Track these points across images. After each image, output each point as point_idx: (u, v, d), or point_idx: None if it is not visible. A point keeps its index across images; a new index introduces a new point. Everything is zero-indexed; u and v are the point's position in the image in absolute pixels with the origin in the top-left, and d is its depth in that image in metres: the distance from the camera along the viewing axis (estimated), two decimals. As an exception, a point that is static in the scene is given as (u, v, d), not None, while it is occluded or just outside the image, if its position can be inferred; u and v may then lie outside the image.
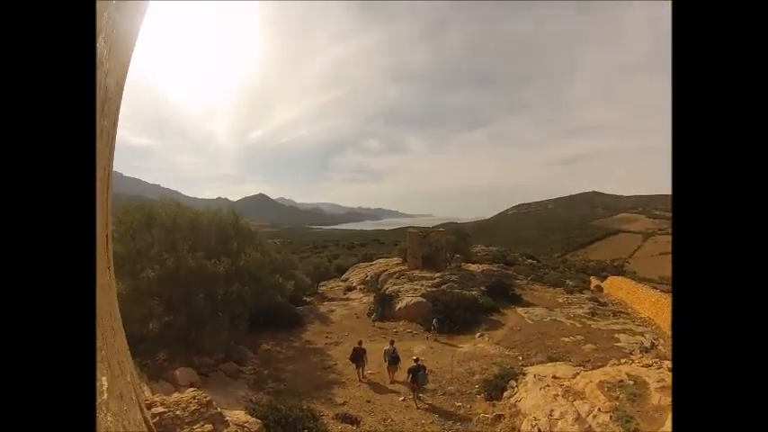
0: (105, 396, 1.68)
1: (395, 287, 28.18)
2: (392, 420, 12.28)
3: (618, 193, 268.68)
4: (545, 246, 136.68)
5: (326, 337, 21.53)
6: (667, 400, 11.42)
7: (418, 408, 13.45)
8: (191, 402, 7.38)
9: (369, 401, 13.64)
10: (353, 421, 11.94)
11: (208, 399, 7.71)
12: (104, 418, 1.67)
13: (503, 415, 12.20)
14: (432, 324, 21.78)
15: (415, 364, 13.83)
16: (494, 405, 13.10)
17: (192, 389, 8.38)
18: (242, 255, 17.45)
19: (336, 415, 12.16)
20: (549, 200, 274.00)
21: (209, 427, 7.03)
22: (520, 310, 26.30)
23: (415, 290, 27.15)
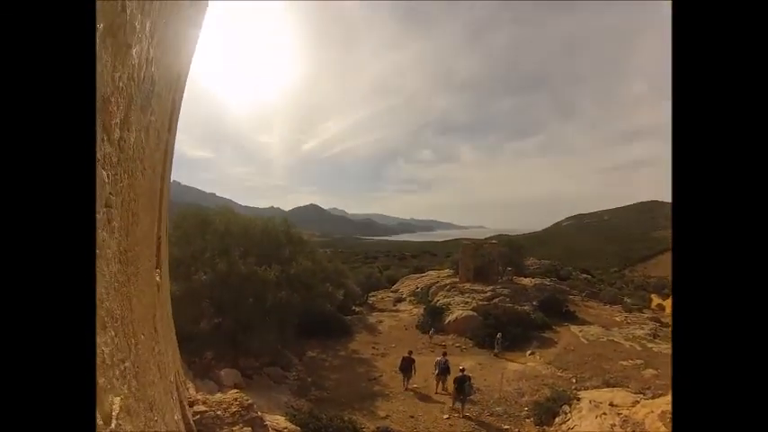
0: (115, 418, 1.67)
1: (445, 299, 27.90)
2: None
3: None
4: (601, 259, 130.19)
5: (373, 347, 21.58)
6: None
7: (462, 416, 13.54)
8: (232, 404, 7.62)
9: (412, 417, 13.51)
10: None
11: (249, 402, 7.94)
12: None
13: None
14: (496, 340, 21.43)
15: (461, 374, 13.94)
16: (544, 430, 12.62)
17: (236, 390, 8.61)
18: (293, 263, 17.88)
19: (377, 428, 12.06)
20: (606, 210, 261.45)
21: (247, 429, 7.21)
22: (574, 328, 25.23)
23: (466, 303, 26.78)
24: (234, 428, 7.04)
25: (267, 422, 8.38)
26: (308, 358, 19.19)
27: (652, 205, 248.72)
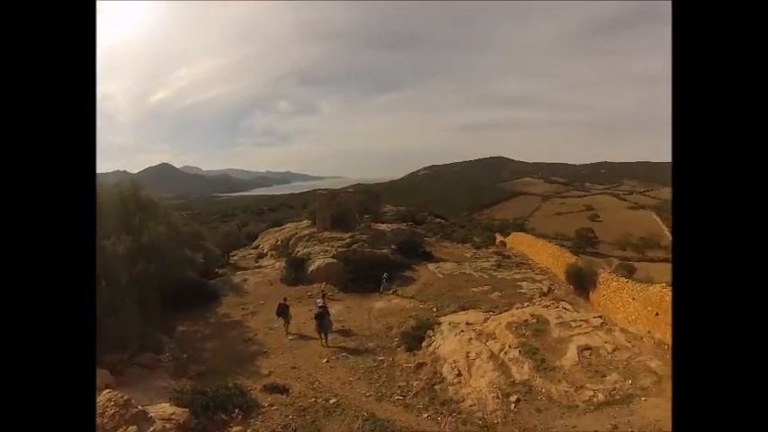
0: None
1: (306, 250, 28.35)
2: (320, 383, 12.80)
3: (522, 160, 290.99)
4: (453, 206, 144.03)
5: (243, 308, 21.25)
6: (566, 332, 13.40)
7: (326, 347, 15.45)
8: (107, 406, 7.07)
9: (294, 368, 13.99)
10: (282, 390, 12.17)
11: (125, 398, 7.42)
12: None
13: (424, 363, 13.44)
14: (382, 280, 23.16)
15: (319, 310, 15.84)
16: (414, 355, 14.32)
17: (107, 390, 7.91)
18: (144, 230, 16.40)
19: (264, 386, 12.29)
20: (458, 162, 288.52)
21: (132, 429, 6.81)
22: (431, 265, 28.11)
23: (326, 251, 27.55)
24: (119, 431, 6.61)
25: (152, 414, 7.89)
26: (179, 334, 17.98)
27: (498, 160, 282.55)
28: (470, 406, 10.67)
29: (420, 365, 13.31)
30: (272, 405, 11.22)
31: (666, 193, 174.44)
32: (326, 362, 14.42)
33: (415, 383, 12.41)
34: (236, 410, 10.24)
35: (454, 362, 12.60)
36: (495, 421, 9.92)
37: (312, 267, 25.64)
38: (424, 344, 14.70)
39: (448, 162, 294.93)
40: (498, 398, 10.61)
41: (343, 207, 34.10)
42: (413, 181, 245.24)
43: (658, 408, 9.47)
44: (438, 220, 67.77)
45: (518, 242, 41.55)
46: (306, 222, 38.18)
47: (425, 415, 10.76)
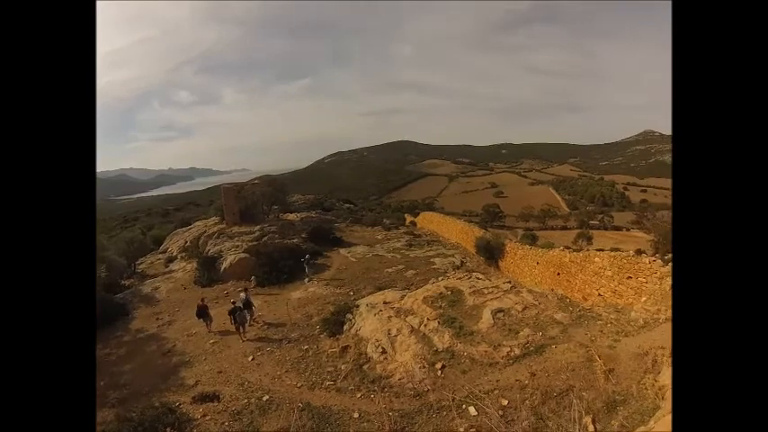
0: None
1: (216, 248, 27.05)
2: (250, 383, 12.37)
3: (427, 143, 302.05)
4: (361, 191, 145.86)
5: (157, 318, 19.62)
6: (479, 299, 14.28)
7: (245, 340, 15.49)
8: None
9: (221, 372, 13.35)
10: (213, 397, 11.62)
11: None
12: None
13: (348, 345, 13.53)
14: (304, 265, 23.14)
15: (233, 306, 15.94)
16: (338, 339, 14.35)
17: None
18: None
19: (194, 398, 11.67)
20: (365, 147, 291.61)
21: None
22: (343, 251, 28.31)
23: (237, 247, 26.59)
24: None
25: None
26: (92, 361, 16.22)
27: (405, 144, 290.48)
28: (399, 379, 11.03)
29: (345, 349, 13.40)
30: (205, 415, 10.78)
31: (560, 169, 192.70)
32: (252, 359, 13.99)
33: (343, 367, 12.48)
34: (168, 430, 9.66)
35: (377, 341, 12.86)
36: (426, 389, 10.35)
37: (225, 265, 24.56)
38: (345, 327, 14.81)
39: (355, 148, 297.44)
40: (424, 367, 11.08)
41: (250, 200, 33.13)
42: (319, 168, 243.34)
43: (568, 351, 10.61)
44: (347, 205, 68.46)
45: (428, 221, 43.32)
46: (214, 219, 36.34)
47: (359, 395, 10.92)
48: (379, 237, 34.44)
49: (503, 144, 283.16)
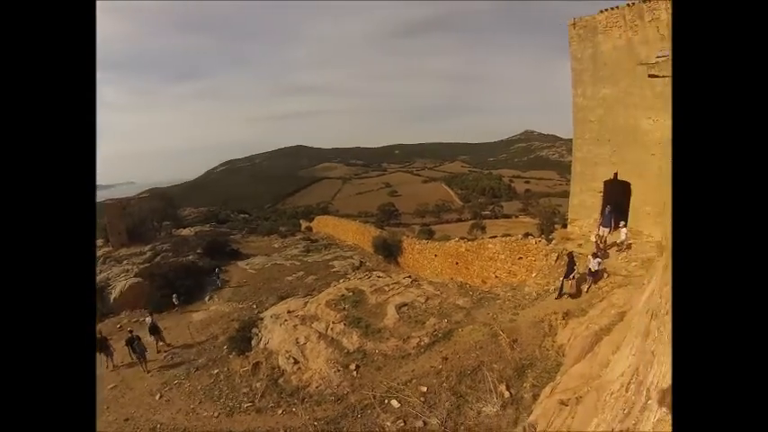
0: None
1: (103, 275, 24.09)
2: (162, 425, 10.97)
3: (320, 147, 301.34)
4: (256, 199, 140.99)
5: None
6: (382, 297, 14.55)
7: (147, 372, 14.21)
8: None
9: (128, 419, 11.53)
10: None
11: None
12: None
13: (259, 362, 12.84)
14: (214, 278, 22.61)
15: (129, 336, 14.82)
16: (247, 357, 13.54)
17: None
18: None
19: None
20: (258, 154, 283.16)
21: None
22: (241, 263, 27.26)
23: (128, 271, 24.03)
24: None
25: None
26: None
27: (298, 149, 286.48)
28: (317, 387, 10.84)
29: (257, 365, 12.72)
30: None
31: (451, 166, 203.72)
32: (161, 397, 12.50)
33: (258, 385, 11.83)
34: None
35: (287, 351, 12.48)
36: (346, 391, 10.30)
37: (114, 294, 21.75)
38: (253, 343, 14.14)
39: (248, 155, 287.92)
40: (339, 370, 11.02)
41: (138, 217, 30.32)
42: (212, 178, 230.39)
43: (474, 332, 11.28)
44: (242, 215, 66.28)
45: (323, 225, 43.35)
46: (98, 241, 32.50)
47: (280, 411, 10.48)
48: (276, 245, 33.79)
49: (395, 145, 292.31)
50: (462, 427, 8.24)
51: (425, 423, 8.48)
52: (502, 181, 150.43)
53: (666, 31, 12.74)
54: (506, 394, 8.66)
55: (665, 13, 12.91)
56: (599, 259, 12.04)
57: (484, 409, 8.47)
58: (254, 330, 14.64)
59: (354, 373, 10.85)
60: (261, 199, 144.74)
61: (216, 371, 13.44)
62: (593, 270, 11.91)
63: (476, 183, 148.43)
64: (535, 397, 8.13)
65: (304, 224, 50.91)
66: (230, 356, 14.22)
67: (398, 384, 9.70)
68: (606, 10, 14.70)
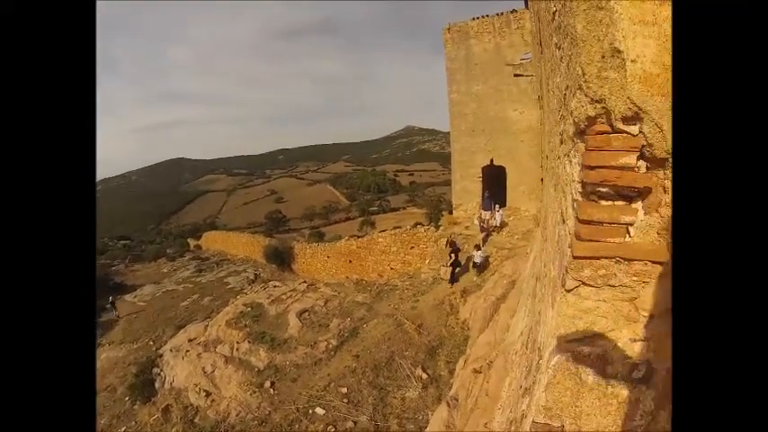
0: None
1: None
2: None
3: (202, 158, 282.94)
4: (137, 221, 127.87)
5: None
6: (281, 307, 14.20)
7: None
8: None
9: None
10: None
11: None
12: None
13: (169, 404, 11.52)
14: (111, 309, 20.51)
15: None
16: (154, 403, 12.03)
17: None
18: None
19: None
20: (134, 170, 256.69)
21: None
22: (128, 297, 24.60)
23: None
24: None
25: None
26: None
27: (178, 162, 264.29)
28: (237, 415, 10.22)
29: (167, 410, 11.36)
30: None
31: (335, 167, 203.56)
32: None
33: (173, 431, 10.72)
34: None
35: (196, 385, 11.53)
36: (266, 412, 9.88)
37: None
38: (157, 385, 12.62)
39: (123, 172, 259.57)
40: (255, 392, 10.52)
41: None
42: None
43: (379, 325, 11.56)
44: (122, 242, 59.95)
45: (212, 241, 41.14)
46: None
47: None
48: (165, 270, 31.11)
49: (279, 150, 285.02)
50: (391, 416, 8.45)
51: (355, 422, 8.58)
52: (386, 176, 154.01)
53: (529, 38, 14.52)
54: (424, 376, 9.09)
55: (528, 23, 14.74)
56: (481, 252, 12.95)
57: (407, 394, 8.86)
58: (156, 370, 13.20)
59: (271, 390, 10.44)
60: (142, 220, 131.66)
61: (123, 429, 11.71)
62: (477, 263, 12.72)
63: (360, 180, 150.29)
64: (451, 372, 8.56)
65: (192, 243, 47.72)
66: (135, 407, 12.38)
67: (318, 391, 9.63)
68: (478, 18, 16.63)
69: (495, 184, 17.29)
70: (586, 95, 1.70)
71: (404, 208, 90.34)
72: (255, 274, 25.40)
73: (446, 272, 13.11)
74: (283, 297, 15.07)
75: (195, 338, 14.02)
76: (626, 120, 1.64)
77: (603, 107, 1.66)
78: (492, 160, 17.37)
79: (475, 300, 10.51)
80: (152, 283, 26.77)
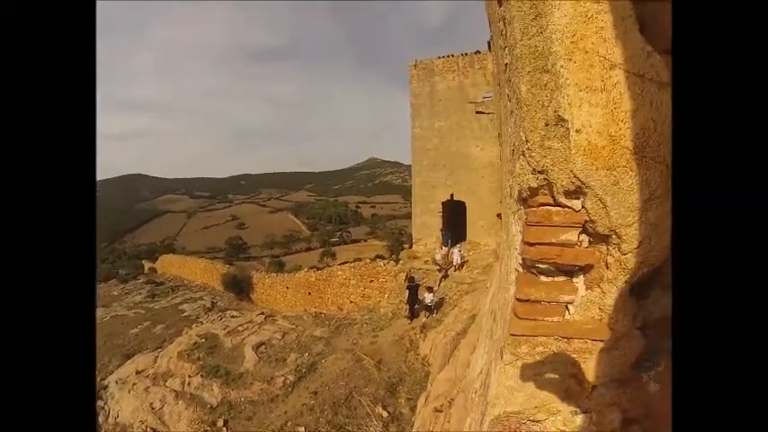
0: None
1: None
2: None
3: (162, 176, 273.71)
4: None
5: None
6: (237, 338, 13.68)
7: None
8: None
9: None
10: None
11: None
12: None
13: None
14: None
15: None
16: None
17: None
18: None
19: None
20: None
21: None
22: (73, 320, 23.01)
23: None
24: None
25: None
26: None
27: (137, 178, 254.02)
28: None
29: None
30: None
31: (297, 195, 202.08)
32: None
33: None
34: None
35: (142, 422, 10.68)
36: None
37: None
38: (100, 419, 11.61)
39: None
40: (207, 431, 9.92)
41: None
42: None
43: (338, 360, 11.29)
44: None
45: (169, 265, 39.44)
46: None
47: None
48: (115, 292, 29.46)
49: (241, 175, 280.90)
50: (352, 457, 8.16)
51: (314, 464, 8.17)
52: (348, 207, 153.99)
53: (491, 78, 15.10)
54: (385, 414, 8.82)
55: (490, 64, 15.41)
56: (432, 295, 12.80)
57: (367, 434, 8.51)
58: (99, 404, 12.31)
59: (224, 429, 9.88)
60: (97, 236, 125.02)
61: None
62: (428, 304, 12.69)
63: (323, 210, 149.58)
64: (412, 410, 8.37)
65: (147, 265, 45.60)
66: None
67: (274, 430, 9.18)
68: (443, 57, 17.36)
69: (454, 218, 17.69)
70: (529, 164, 1.61)
71: (365, 240, 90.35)
72: (212, 301, 24.51)
73: (405, 309, 13.17)
74: (240, 329, 14.56)
75: (144, 370, 13.21)
76: (568, 194, 1.56)
77: (546, 179, 1.57)
78: (452, 195, 17.78)
79: (435, 335, 10.46)
80: (101, 306, 25.20)
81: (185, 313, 22.29)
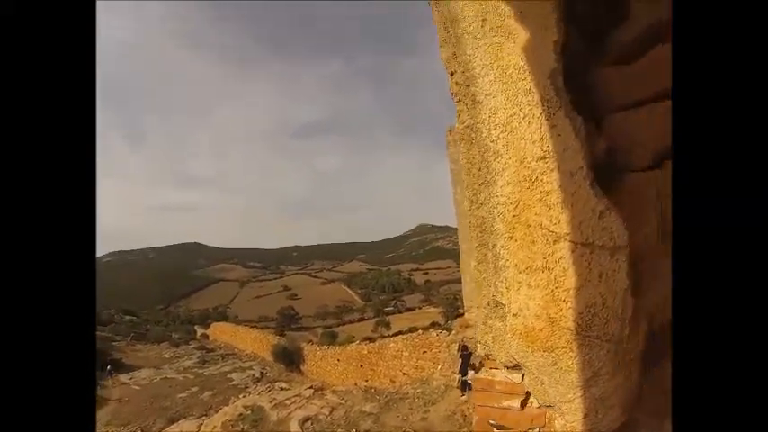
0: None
1: None
2: None
3: (217, 245, 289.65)
4: (145, 298, 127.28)
5: None
6: (284, 412, 13.31)
7: None
8: None
9: None
10: None
11: None
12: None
13: None
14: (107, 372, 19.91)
15: None
16: None
17: None
18: None
19: None
20: (150, 248, 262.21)
21: None
22: (123, 377, 23.45)
23: None
24: None
25: None
26: None
27: (193, 246, 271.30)
28: None
29: None
30: None
31: (349, 266, 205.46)
32: None
33: None
34: None
35: None
36: None
37: None
38: None
39: (141, 247, 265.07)
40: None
41: None
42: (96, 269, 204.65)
43: (391, 438, 10.48)
44: (128, 317, 59.25)
45: (220, 332, 40.16)
46: None
47: None
48: (167, 355, 30.02)
49: (292, 246, 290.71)
50: None
51: None
52: (401, 275, 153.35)
53: None
54: None
55: None
56: (473, 371, 12.12)
57: None
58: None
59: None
60: (151, 298, 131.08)
61: None
62: (469, 383, 11.97)
63: (375, 280, 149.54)
64: None
65: (200, 331, 46.87)
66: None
67: None
68: None
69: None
70: (479, 335, 1.75)
71: (419, 307, 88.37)
72: (262, 372, 24.33)
73: (457, 378, 12.37)
74: (287, 402, 14.20)
75: (184, 436, 13.12)
76: (509, 368, 1.66)
77: (489, 353, 1.72)
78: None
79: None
80: (151, 367, 25.83)
81: (233, 382, 22.15)
